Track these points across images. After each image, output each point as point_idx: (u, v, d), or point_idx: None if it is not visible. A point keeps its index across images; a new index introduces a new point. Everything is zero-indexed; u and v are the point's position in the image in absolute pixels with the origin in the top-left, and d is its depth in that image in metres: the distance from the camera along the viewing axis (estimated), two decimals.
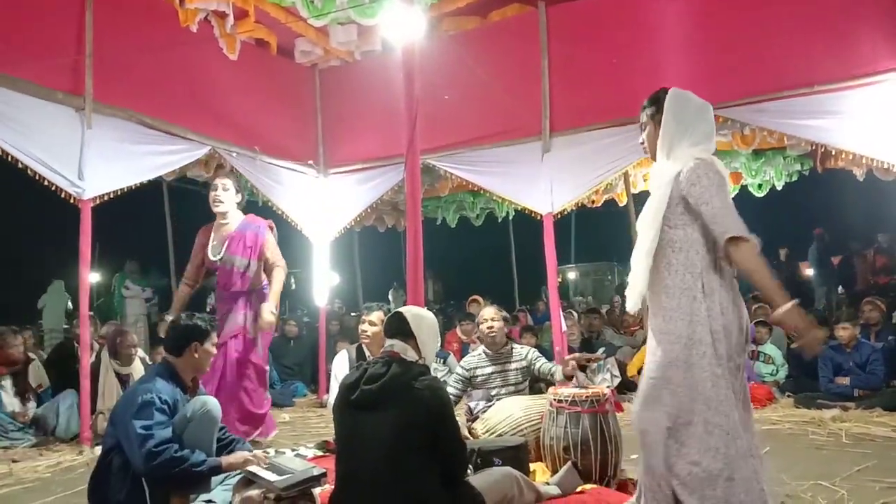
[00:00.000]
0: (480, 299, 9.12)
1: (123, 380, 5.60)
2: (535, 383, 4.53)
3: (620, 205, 9.99)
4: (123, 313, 10.83)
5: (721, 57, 5.56)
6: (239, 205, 4.99)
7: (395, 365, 2.62)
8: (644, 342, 4.92)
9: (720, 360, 2.33)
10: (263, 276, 4.88)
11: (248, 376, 4.70)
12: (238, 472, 3.15)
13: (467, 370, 4.38)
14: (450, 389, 4.25)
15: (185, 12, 5.98)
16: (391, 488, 2.43)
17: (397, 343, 2.76)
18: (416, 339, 2.78)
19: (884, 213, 10.70)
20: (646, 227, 2.50)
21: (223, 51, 6.44)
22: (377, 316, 4.51)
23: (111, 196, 5.44)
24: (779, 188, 9.58)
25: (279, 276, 4.75)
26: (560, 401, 3.45)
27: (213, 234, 4.87)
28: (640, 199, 8.30)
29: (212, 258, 4.81)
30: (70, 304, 11.23)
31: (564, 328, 6.35)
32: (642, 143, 2.70)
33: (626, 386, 6.55)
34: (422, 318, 2.87)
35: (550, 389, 3.74)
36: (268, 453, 3.31)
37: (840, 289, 11.48)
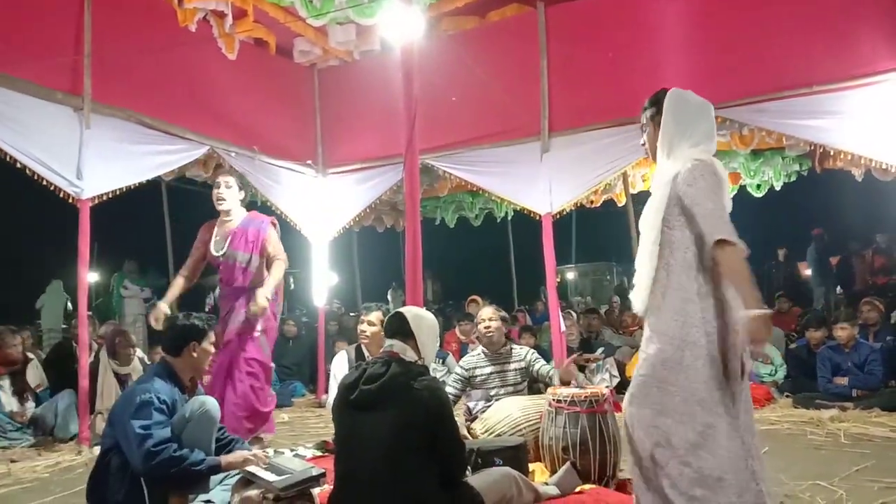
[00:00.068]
0: (479, 299, 9.12)
1: (122, 380, 5.59)
2: (534, 383, 4.53)
3: (619, 205, 10.01)
4: (122, 313, 10.82)
5: (720, 57, 5.57)
6: (242, 202, 5.00)
7: (395, 365, 2.62)
8: None
9: (713, 362, 2.33)
10: (266, 272, 4.89)
11: (255, 375, 4.71)
12: (237, 472, 3.14)
13: (466, 370, 4.39)
14: (449, 389, 4.25)
15: (183, 12, 5.97)
16: (390, 488, 2.43)
17: (397, 343, 2.76)
18: (415, 339, 2.78)
19: (882, 214, 10.71)
20: (647, 229, 2.50)
21: (222, 50, 6.44)
22: (376, 316, 4.50)
23: (110, 196, 5.44)
24: (777, 188, 9.60)
25: (279, 267, 4.75)
26: (559, 401, 3.45)
27: (216, 230, 4.88)
28: (639, 199, 8.32)
29: (214, 253, 4.82)
30: (69, 304, 11.22)
31: (563, 328, 6.36)
32: (643, 145, 2.70)
33: (625, 386, 6.45)
34: (422, 318, 2.87)
35: (549, 389, 3.74)
36: (267, 453, 3.31)
37: (838, 289, 11.48)
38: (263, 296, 4.52)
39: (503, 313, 4.51)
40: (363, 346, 4.61)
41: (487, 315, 4.41)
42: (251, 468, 3.04)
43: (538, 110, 6.30)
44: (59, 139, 5.07)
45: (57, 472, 4.55)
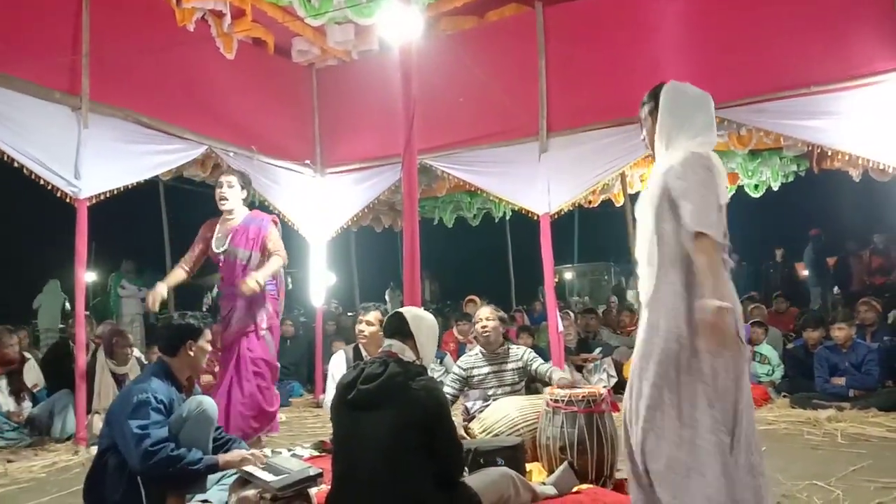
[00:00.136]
0: (477, 299, 9.12)
1: (119, 379, 5.59)
2: (532, 383, 4.53)
3: (617, 205, 10.01)
4: (119, 313, 10.82)
5: (718, 57, 5.57)
6: (245, 201, 5.00)
7: (393, 365, 2.62)
8: None
9: (696, 354, 2.33)
10: None
11: (261, 375, 4.72)
12: (234, 471, 3.14)
13: (464, 370, 4.39)
14: (447, 389, 4.25)
15: (181, 12, 5.96)
16: (388, 488, 2.43)
17: (395, 343, 2.76)
18: (414, 339, 2.78)
19: (880, 214, 10.73)
20: (642, 222, 2.53)
21: (220, 50, 6.43)
22: (374, 316, 4.51)
23: (107, 195, 5.42)
24: (775, 189, 9.61)
25: (276, 260, 4.75)
26: (556, 401, 3.45)
27: (217, 228, 4.89)
28: (637, 199, 8.32)
29: (215, 250, 4.82)
30: (66, 304, 11.21)
31: (561, 328, 6.36)
32: (644, 140, 2.71)
33: (623, 386, 6.50)
34: (422, 319, 2.87)
35: (547, 389, 3.74)
36: (265, 453, 3.30)
37: (836, 289, 11.51)
38: (254, 278, 4.52)
39: (501, 313, 4.51)
40: (361, 346, 4.62)
41: (485, 315, 4.41)
42: (248, 468, 3.04)
43: (536, 110, 6.30)
44: (57, 139, 5.06)
45: (54, 471, 4.54)
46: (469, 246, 17.95)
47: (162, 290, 4.55)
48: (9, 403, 5.58)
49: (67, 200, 5.17)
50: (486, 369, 4.34)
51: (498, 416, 3.82)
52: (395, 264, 14.52)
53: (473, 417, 4.11)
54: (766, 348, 6.95)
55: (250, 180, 5.11)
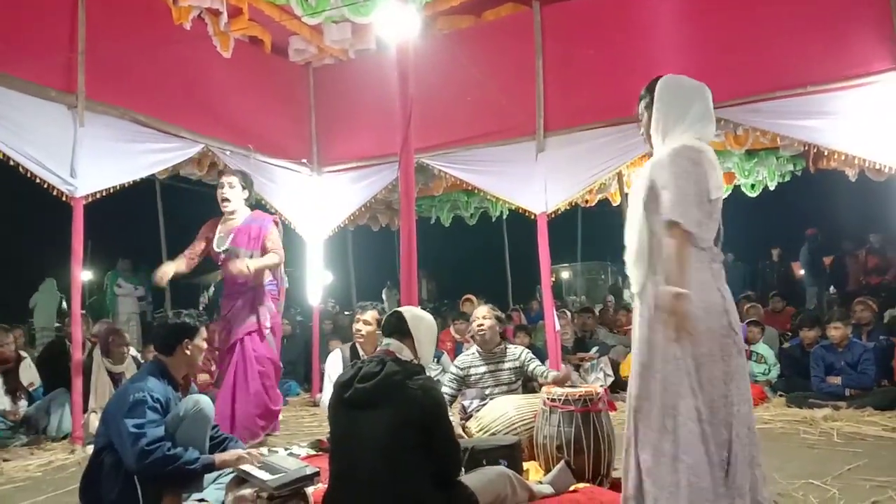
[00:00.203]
0: (474, 298, 9.12)
1: (115, 378, 5.58)
2: (529, 382, 4.54)
3: (614, 204, 10.03)
4: (116, 311, 10.80)
5: (715, 57, 5.57)
6: (247, 201, 5.00)
7: (390, 364, 2.62)
8: None
9: (681, 344, 2.34)
10: (268, 272, 4.90)
11: (266, 374, 4.73)
12: (231, 470, 3.14)
13: (461, 369, 4.39)
14: (444, 389, 4.25)
15: (178, 10, 5.95)
16: (386, 487, 2.42)
17: (393, 342, 2.76)
18: (412, 338, 2.78)
19: (876, 214, 10.73)
20: (632, 213, 2.55)
21: (217, 49, 6.42)
22: (372, 315, 4.51)
23: (104, 194, 5.41)
24: (771, 188, 9.63)
25: (272, 256, 4.76)
26: (553, 400, 3.45)
27: (219, 227, 4.90)
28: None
29: (217, 250, 4.83)
30: (62, 303, 11.19)
31: (558, 327, 6.36)
32: (642, 135, 2.72)
33: (620, 385, 6.55)
34: (420, 318, 2.87)
35: (544, 388, 3.75)
36: (261, 452, 3.30)
37: (832, 289, 11.55)
38: (245, 263, 4.52)
39: (498, 312, 4.52)
40: (358, 345, 4.62)
41: (481, 314, 4.42)
42: (245, 467, 3.03)
43: (533, 109, 6.31)
44: (53, 137, 5.04)
45: (49, 470, 4.53)
46: (466, 245, 17.95)
47: (170, 268, 4.58)
48: (4, 402, 5.56)
49: (64, 199, 5.15)
50: (483, 368, 4.35)
51: (495, 415, 3.82)
52: (391, 263, 14.49)
53: (471, 416, 4.12)
54: (762, 347, 6.96)
55: (252, 180, 5.12)
